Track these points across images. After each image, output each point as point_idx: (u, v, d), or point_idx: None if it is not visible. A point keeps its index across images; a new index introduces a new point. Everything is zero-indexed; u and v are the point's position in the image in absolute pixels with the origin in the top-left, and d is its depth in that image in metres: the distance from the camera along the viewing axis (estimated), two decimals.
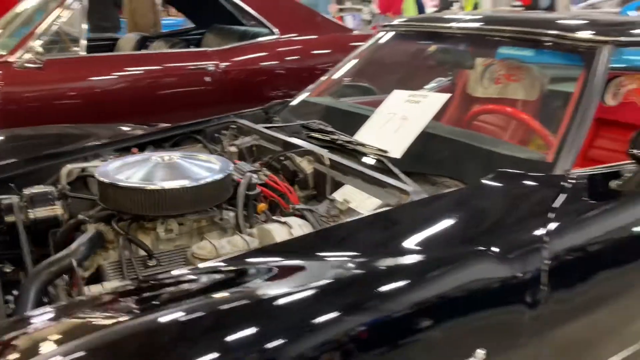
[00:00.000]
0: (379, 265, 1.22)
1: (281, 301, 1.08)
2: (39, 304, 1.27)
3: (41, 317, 1.09)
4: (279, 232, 1.40)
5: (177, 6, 5.55)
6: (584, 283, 1.47)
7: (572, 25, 1.89)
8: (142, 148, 2.09)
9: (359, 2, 12.15)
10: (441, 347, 1.20)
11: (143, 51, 4.24)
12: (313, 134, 1.93)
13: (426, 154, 1.73)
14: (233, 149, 1.99)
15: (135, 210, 1.48)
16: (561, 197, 1.46)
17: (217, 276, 1.20)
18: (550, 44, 1.87)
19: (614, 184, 1.54)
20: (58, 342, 0.99)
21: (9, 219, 1.60)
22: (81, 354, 0.94)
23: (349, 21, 10.06)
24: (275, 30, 3.84)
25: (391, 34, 2.47)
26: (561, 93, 2.05)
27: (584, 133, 1.60)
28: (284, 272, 1.20)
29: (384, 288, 1.16)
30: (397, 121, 1.82)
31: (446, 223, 1.41)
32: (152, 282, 1.23)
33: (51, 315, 1.09)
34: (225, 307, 1.07)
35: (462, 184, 1.55)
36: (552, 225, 1.39)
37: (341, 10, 11.16)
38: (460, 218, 1.43)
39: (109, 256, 1.49)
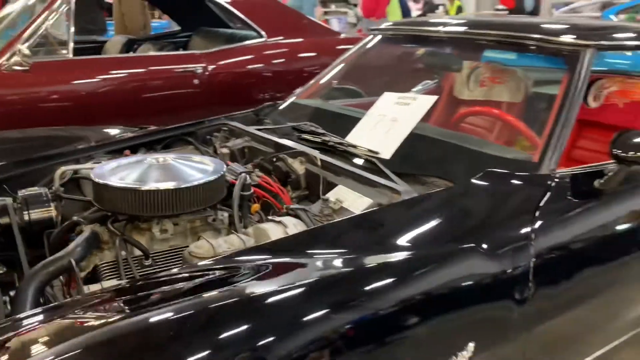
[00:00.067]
0: (370, 263, 1.24)
1: (272, 299, 1.10)
2: (36, 304, 1.27)
3: (36, 318, 1.09)
4: (274, 231, 1.43)
5: (163, 9, 5.55)
6: (568, 280, 1.51)
7: (555, 29, 1.94)
8: (133, 150, 2.10)
9: (343, 6, 12.23)
10: (434, 341, 1.23)
11: (132, 54, 4.23)
12: (304, 136, 1.95)
13: (415, 155, 1.76)
14: (225, 150, 2.01)
15: (130, 211, 1.49)
16: (547, 196, 1.50)
17: (210, 275, 1.21)
18: (534, 47, 1.91)
19: (597, 183, 1.58)
20: (51, 342, 1.00)
21: (4, 220, 1.60)
22: (75, 353, 0.95)
23: (335, 24, 10.12)
24: (263, 33, 3.87)
25: (379, 37, 2.51)
26: (545, 95, 2.10)
27: (567, 134, 1.64)
28: (276, 270, 1.21)
29: (375, 285, 1.18)
30: (387, 123, 1.86)
31: (437, 221, 1.44)
32: (147, 281, 1.24)
33: (46, 315, 1.10)
34: (217, 305, 1.08)
35: (451, 183, 1.59)
36: (538, 223, 1.43)
37: (326, 13, 11.22)
38: (450, 216, 1.47)
39: (104, 257, 1.50)
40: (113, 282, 1.36)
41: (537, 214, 1.45)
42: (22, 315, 1.15)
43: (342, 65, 2.58)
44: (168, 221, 1.54)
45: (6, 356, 0.97)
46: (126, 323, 1.03)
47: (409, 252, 1.29)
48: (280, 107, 2.43)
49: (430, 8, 11.81)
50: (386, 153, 1.74)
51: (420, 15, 11.09)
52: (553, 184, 1.54)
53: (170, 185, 1.49)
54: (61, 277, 1.44)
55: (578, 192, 1.57)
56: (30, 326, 1.06)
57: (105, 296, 1.19)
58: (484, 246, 1.33)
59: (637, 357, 2.13)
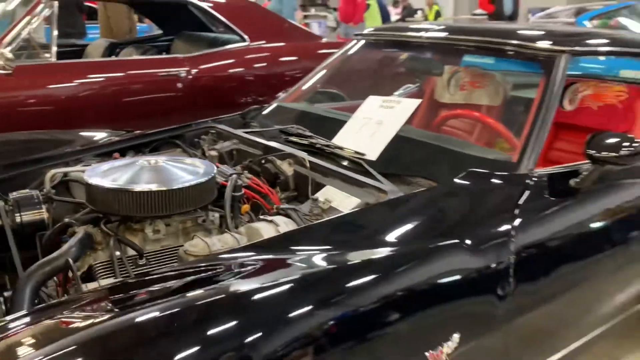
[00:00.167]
0: (357, 260, 1.28)
1: (258, 296, 1.12)
2: (33, 304, 1.29)
3: (28, 318, 1.12)
4: (266, 230, 1.47)
5: (144, 13, 5.53)
6: (546, 276, 1.57)
7: (532, 35, 2.01)
8: (122, 153, 2.12)
9: (323, 10, 12.30)
10: (422, 332, 1.29)
11: (115, 58, 4.23)
12: (292, 138, 2.00)
13: (400, 156, 1.81)
14: (214, 153, 2.05)
15: (123, 212, 1.52)
16: (526, 194, 1.57)
17: (201, 273, 1.24)
18: (512, 53, 1.98)
19: (572, 182, 1.65)
20: (44, 342, 1.02)
21: None
22: (67, 351, 0.97)
23: (315, 28, 10.18)
24: (246, 37, 3.90)
25: (362, 42, 2.57)
26: (523, 99, 2.18)
27: (545, 135, 1.72)
28: (263, 268, 1.24)
29: (361, 280, 1.22)
30: (373, 125, 1.91)
31: (422, 219, 1.50)
32: (139, 280, 1.26)
33: (39, 314, 1.12)
34: (205, 302, 1.10)
35: (435, 183, 1.64)
36: (518, 221, 1.50)
37: (306, 17, 11.28)
38: (434, 214, 1.53)
39: (98, 257, 1.53)
40: (110, 281, 1.39)
41: (516, 211, 1.52)
42: (20, 314, 1.17)
43: (325, 69, 2.63)
44: (160, 222, 1.57)
45: None
46: (116, 321, 1.05)
47: (395, 249, 1.34)
48: (266, 111, 2.47)
49: (409, 12, 11.95)
50: (372, 155, 1.80)
51: (399, 20, 11.22)
52: (531, 183, 1.61)
53: (162, 186, 1.52)
54: (55, 277, 1.46)
55: (555, 190, 1.64)
56: (18, 328, 1.07)
57: (94, 296, 1.21)
58: (467, 242, 1.39)
59: (610, 350, 2.22)
